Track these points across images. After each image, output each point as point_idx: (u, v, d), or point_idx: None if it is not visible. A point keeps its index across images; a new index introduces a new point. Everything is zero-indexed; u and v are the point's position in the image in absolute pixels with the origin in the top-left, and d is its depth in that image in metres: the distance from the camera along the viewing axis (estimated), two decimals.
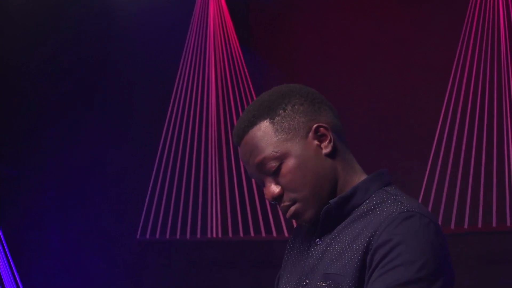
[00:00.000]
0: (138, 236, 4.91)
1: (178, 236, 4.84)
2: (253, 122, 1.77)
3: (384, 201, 1.76)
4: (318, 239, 1.81)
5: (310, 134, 1.77)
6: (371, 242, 1.69)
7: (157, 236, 4.87)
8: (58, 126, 5.20)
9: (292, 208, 1.79)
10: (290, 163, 1.76)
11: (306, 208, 1.78)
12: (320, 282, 1.75)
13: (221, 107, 4.80)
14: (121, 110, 5.12)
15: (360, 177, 1.83)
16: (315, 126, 1.76)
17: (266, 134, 1.77)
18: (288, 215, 1.81)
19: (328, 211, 1.78)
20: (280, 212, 4.32)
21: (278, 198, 1.78)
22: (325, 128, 1.76)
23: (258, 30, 4.98)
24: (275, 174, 1.78)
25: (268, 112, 1.77)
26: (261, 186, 1.85)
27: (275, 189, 1.78)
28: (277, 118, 1.76)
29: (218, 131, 4.80)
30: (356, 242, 1.73)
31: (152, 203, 4.89)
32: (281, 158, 1.76)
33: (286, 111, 1.76)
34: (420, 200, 4.13)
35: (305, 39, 4.75)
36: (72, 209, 5.19)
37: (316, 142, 1.76)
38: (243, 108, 4.74)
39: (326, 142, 1.77)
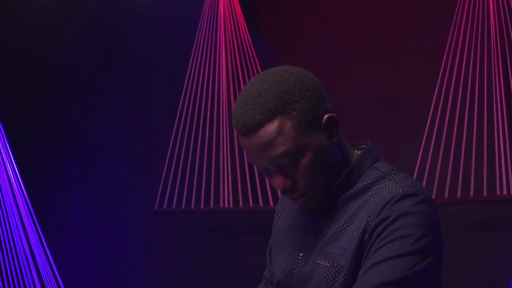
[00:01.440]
0: (156, 208, 4.91)
1: (193, 207, 4.85)
2: (269, 116, 1.69)
3: (378, 181, 1.76)
4: (313, 216, 1.82)
5: (323, 126, 1.73)
6: (369, 222, 1.69)
7: (174, 207, 4.88)
8: (81, 105, 5.20)
9: (302, 199, 1.77)
10: (307, 158, 1.71)
11: (315, 198, 1.77)
12: (321, 260, 1.75)
13: (231, 86, 4.78)
14: (139, 90, 5.12)
15: (351, 154, 1.82)
16: (326, 117, 1.73)
17: (283, 130, 1.69)
18: (295, 203, 1.80)
19: (328, 197, 1.79)
20: None
21: (290, 189, 1.75)
22: (334, 118, 1.74)
23: (265, 15, 4.90)
24: (290, 168, 1.73)
25: (283, 106, 1.69)
26: (262, 172, 1.80)
27: (286, 181, 1.74)
28: (293, 113, 1.69)
29: (228, 108, 4.78)
30: (354, 222, 1.72)
31: (169, 177, 4.88)
32: (299, 153, 1.70)
33: (301, 105, 1.70)
34: (416, 171, 4.21)
35: (308, 23, 4.70)
36: (94, 182, 5.19)
37: (327, 132, 1.73)
38: None
39: (335, 131, 1.74)
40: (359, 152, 1.83)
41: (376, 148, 1.82)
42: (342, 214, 1.75)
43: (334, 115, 1.72)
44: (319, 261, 1.75)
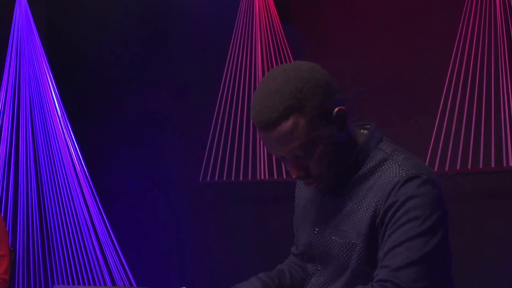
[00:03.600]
0: (200, 179, 5.04)
1: (233, 179, 4.96)
2: (285, 115, 1.71)
3: (383, 162, 1.79)
4: (327, 195, 1.89)
5: (333, 118, 1.76)
6: (378, 207, 1.74)
7: (216, 179, 4.99)
8: (131, 90, 5.33)
9: (315, 184, 1.84)
10: (319, 149, 1.75)
11: (326, 181, 1.84)
12: (335, 237, 1.82)
13: (265, 71, 4.81)
14: (184, 76, 5.18)
15: (358, 137, 1.85)
16: (336, 110, 1.76)
17: (298, 126, 1.72)
18: (308, 186, 1.87)
19: (339, 179, 1.84)
20: None
21: (304, 176, 1.81)
22: (343, 110, 1.76)
23: (295, 8, 5.03)
24: (304, 158, 1.77)
25: (298, 104, 1.71)
26: (281, 161, 1.85)
27: (300, 169, 1.79)
28: (307, 109, 1.72)
29: None
30: (364, 203, 1.77)
31: (211, 152, 4.99)
32: (312, 145, 1.74)
33: (313, 101, 1.72)
34: (430, 147, 4.19)
35: (333, 14, 4.82)
36: (145, 158, 5.31)
37: (337, 123, 1.77)
38: None
39: (344, 122, 1.78)
40: (364, 131, 1.88)
41: (379, 129, 1.86)
42: (353, 195, 1.80)
43: (343, 108, 1.76)
44: (333, 237, 1.82)
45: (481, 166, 4.22)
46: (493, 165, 4.21)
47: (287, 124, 1.71)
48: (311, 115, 1.72)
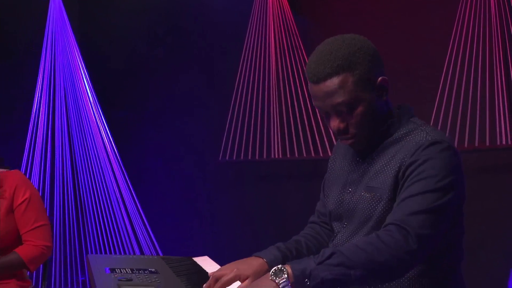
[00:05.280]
0: (219, 158, 5.14)
1: (249, 157, 5.07)
2: (337, 71, 1.84)
3: (413, 131, 1.91)
4: (359, 158, 2.01)
5: (377, 86, 1.89)
6: (403, 163, 1.86)
7: (234, 158, 5.09)
8: (155, 79, 5.54)
9: (351, 141, 1.94)
10: (361, 109, 1.88)
11: (361, 141, 1.95)
12: (364, 192, 1.93)
13: (279, 59, 4.95)
14: (203, 67, 5.37)
15: (394, 111, 1.98)
16: (380, 79, 1.89)
17: (346, 84, 1.84)
18: (345, 143, 1.97)
19: (372, 142, 1.96)
20: (324, 137, 4.70)
21: (342, 131, 1.92)
22: (386, 80, 1.90)
23: (303, 2, 5.07)
24: (346, 114, 1.89)
25: (349, 65, 1.84)
26: (323, 115, 1.95)
27: (341, 124, 1.91)
28: (356, 72, 1.85)
29: (277, 79, 4.96)
30: (392, 163, 1.89)
31: (230, 133, 5.09)
32: (355, 104, 1.87)
33: (363, 66, 1.86)
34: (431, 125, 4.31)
35: (340, 7, 4.88)
36: (168, 140, 5.48)
37: (379, 91, 1.90)
38: (296, 61, 4.89)
39: (385, 91, 1.91)
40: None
41: (412, 108, 2.01)
42: (383, 157, 1.92)
43: (386, 78, 1.91)
44: (363, 193, 1.92)
45: (476, 144, 4.30)
46: (488, 143, 4.29)
47: (337, 79, 1.84)
48: (359, 77, 1.85)
